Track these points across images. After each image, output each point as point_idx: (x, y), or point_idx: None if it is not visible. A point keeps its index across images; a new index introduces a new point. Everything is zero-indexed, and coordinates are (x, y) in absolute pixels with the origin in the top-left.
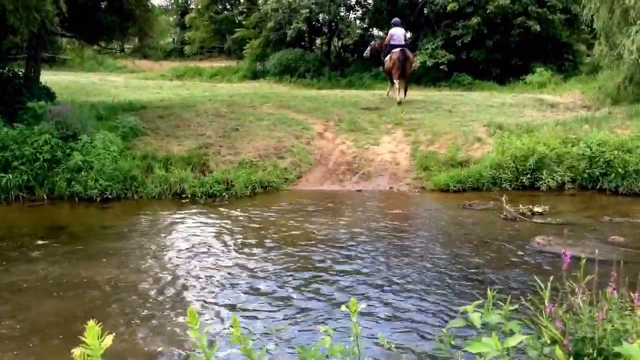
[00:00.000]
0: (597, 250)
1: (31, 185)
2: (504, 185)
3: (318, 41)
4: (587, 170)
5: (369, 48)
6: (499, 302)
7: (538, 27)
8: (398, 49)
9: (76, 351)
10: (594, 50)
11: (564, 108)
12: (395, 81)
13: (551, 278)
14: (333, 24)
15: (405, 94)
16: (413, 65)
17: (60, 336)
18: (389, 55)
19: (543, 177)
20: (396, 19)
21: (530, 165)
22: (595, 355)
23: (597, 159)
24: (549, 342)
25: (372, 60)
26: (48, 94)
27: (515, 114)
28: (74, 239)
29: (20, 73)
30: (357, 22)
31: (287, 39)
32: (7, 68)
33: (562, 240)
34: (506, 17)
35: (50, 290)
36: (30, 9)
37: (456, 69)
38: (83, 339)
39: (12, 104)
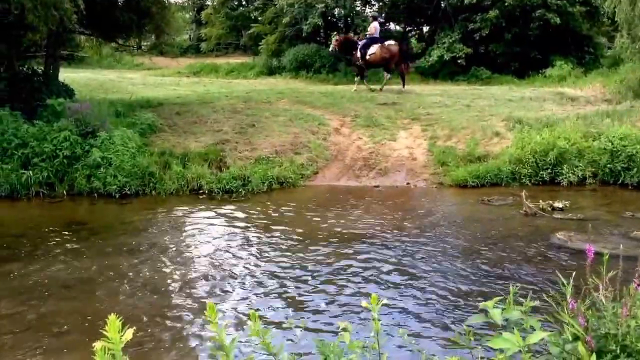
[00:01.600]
0: (621, 245)
1: (51, 181)
2: (523, 181)
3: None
4: (608, 165)
5: (334, 43)
6: (519, 298)
7: (558, 20)
8: (394, 42)
9: (97, 345)
10: (615, 43)
11: (584, 102)
12: (388, 73)
13: (573, 274)
14: (349, 18)
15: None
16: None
17: (82, 332)
18: (375, 48)
19: (563, 171)
20: (375, 13)
21: (550, 160)
22: (618, 351)
23: (618, 153)
24: (571, 338)
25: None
26: (67, 91)
27: (534, 108)
28: (95, 235)
29: (39, 71)
30: None
31: (303, 34)
32: (26, 66)
33: (583, 236)
34: (525, 9)
35: (72, 286)
36: (48, 6)
37: (474, 63)
38: (104, 332)
39: (32, 102)
